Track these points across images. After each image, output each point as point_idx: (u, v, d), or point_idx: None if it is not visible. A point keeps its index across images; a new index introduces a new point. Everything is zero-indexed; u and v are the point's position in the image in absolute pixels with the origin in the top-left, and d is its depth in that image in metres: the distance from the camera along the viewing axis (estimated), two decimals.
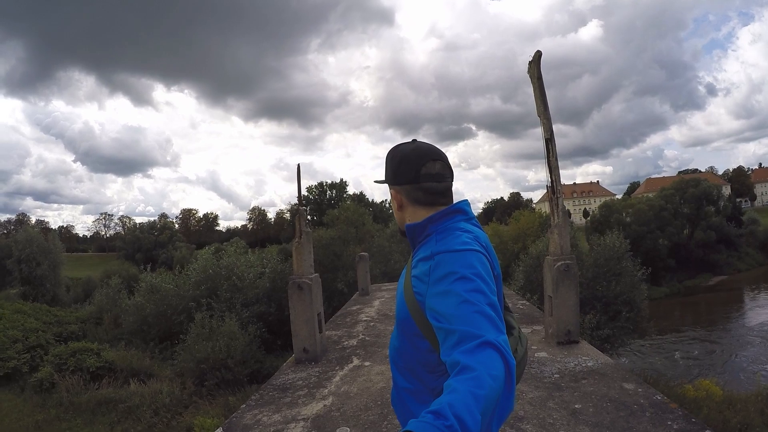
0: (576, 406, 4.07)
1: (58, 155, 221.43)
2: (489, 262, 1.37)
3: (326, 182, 75.91)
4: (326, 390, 5.05)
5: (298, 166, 6.80)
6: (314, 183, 73.95)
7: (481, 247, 1.39)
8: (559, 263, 5.57)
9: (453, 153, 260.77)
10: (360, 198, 63.97)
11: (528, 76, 5.83)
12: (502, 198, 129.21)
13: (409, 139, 1.60)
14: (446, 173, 1.54)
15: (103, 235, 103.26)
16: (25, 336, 17.10)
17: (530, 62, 5.72)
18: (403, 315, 1.48)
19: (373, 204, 57.07)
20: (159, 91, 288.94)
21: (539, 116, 5.56)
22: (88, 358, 14.15)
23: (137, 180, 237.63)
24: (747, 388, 12.49)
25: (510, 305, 1.69)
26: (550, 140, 5.45)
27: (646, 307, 15.62)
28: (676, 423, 3.60)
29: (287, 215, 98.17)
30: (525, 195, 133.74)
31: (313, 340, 6.08)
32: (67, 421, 11.77)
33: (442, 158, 1.54)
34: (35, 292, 29.45)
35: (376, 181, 1.69)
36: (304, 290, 5.99)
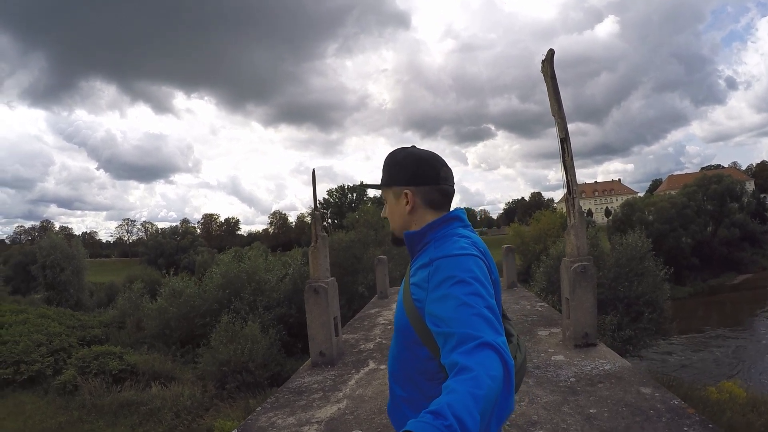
0: (591, 410, 4.01)
1: (81, 163, 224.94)
2: (487, 266, 1.39)
3: (347, 185, 76.30)
4: (341, 393, 5.07)
5: (313, 171, 6.84)
6: (334, 186, 74.24)
7: (479, 252, 1.41)
8: (576, 265, 5.50)
9: (473, 154, 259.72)
10: (380, 201, 64.08)
11: (542, 75, 5.77)
12: (523, 198, 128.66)
13: (426, 142, 1.62)
14: (453, 179, 1.63)
15: (125, 241, 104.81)
16: (49, 340, 17.37)
17: (543, 61, 5.67)
18: (402, 323, 1.49)
19: None
20: (179, 99, 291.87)
21: (554, 115, 5.50)
22: (110, 362, 14.37)
23: (159, 186, 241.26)
24: None
25: (508, 313, 1.70)
26: (565, 140, 5.39)
27: (669, 307, 15.41)
28: (692, 429, 3.52)
29: (308, 219, 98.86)
30: (546, 194, 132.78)
31: (329, 343, 6.11)
32: (89, 423, 11.96)
33: (448, 165, 1.61)
34: (59, 297, 30.00)
35: (367, 186, 1.82)
36: (320, 294, 6.02)
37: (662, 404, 3.99)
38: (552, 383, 4.73)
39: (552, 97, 5.53)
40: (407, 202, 1.57)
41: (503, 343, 1.12)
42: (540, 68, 5.75)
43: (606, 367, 5.02)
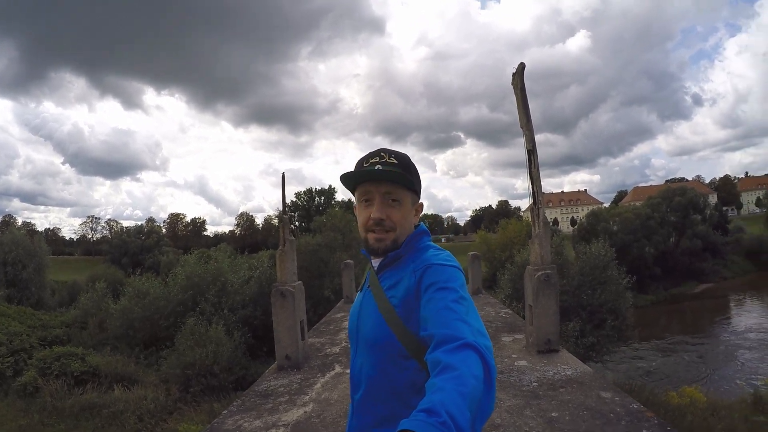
0: (553, 414, 4.13)
1: (47, 157, 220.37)
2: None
3: (315, 188, 76.08)
4: (307, 397, 5.09)
5: (283, 174, 6.89)
6: (303, 189, 73.96)
7: (458, 264, 1.47)
8: (540, 273, 5.66)
9: (441, 161, 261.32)
10: (348, 205, 64.10)
11: (512, 87, 5.91)
12: (490, 206, 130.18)
13: (396, 148, 1.61)
14: None
15: (89, 239, 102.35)
16: (9, 339, 16.88)
17: (514, 74, 5.83)
18: (382, 337, 1.45)
19: None
20: (149, 95, 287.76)
21: (522, 128, 5.66)
22: (72, 363, 14.03)
23: (125, 183, 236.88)
24: (731, 395, 12.62)
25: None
26: (532, 151, 5.56)
27: (631, 315, 15.77)
28: (650, 430, 3.67)
29: (275, 221, 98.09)
30: (513, 203, 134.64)
31: (295, 347, 6.12)
32: (50, 426, 11.65)
33: None
34: (20, 295, 29.03)
35: (399, 177, 1.49)
36: (287, 298, 6.02)
37: (622, 408, 4.13)
38: (515, 388, 4.84)
39: (521, 109, 5.69)
40: (415, 214, 1.59)
41: (485, 347, 1.15)
42: (511, 80, 5.90)
43: (568, 373, 5.16)
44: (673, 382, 15.79)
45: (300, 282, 6.55)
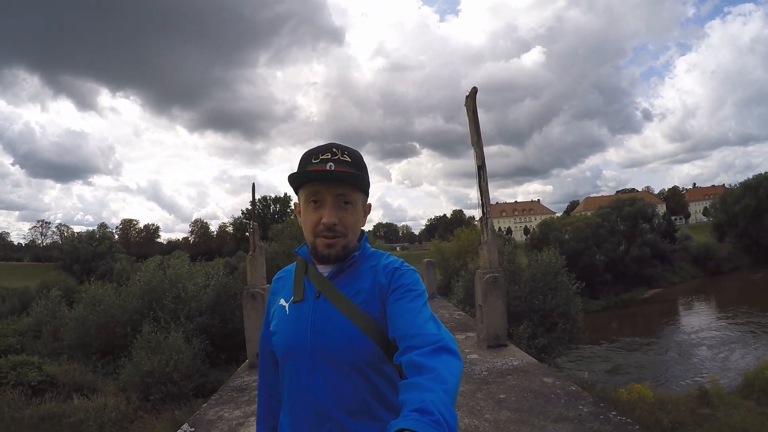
0: (501, 396, 4.65)
1: None
2: None
3: (270, 196, 75.89)
4: None
5: (253, 185, 7.24)
6: (258, 197, 73.64)
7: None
8: (488, 276, 6.24)
9: (396, 170, 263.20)
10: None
11: (465, 108, 6.39)
12: (445, 215, 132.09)
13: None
14: None
15: (39, 244, 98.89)
16: None
17: (467, 96, 6.31)
18: (358, 347, 1.38)
19: None
20: (104, 96, 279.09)
21: (473, 145, 6.16)
22: (29, 372, 13.72)
23: (77, 187, 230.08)
24: (680, 391, 13.32)
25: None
26: (481, 167, 6.07)
27: (581, 318, 16.40)
28: (586, 407, 4.28)
29: (230, 229, 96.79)
30: (467, 212, 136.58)
31: None
32: None
33: None
34: None
35: (349, 176, 1.40)
36: (257, 299, 6.40)
37: (561, 390, 4.76)
38: (467, 376, 5.32)
39: (472, 128, 6.17)
40: (364, 215, 1.53)
41: (454, 344, 1.21)
42: (464, 102, 6.37)
43: (514, 363, 5.76)
44: (625, 381, 16.52)
45: (269, 285, 6.88)
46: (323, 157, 1.39)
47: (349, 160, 1.41)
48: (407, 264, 1.49)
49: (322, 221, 1.40)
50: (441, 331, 1.25)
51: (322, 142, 1.45)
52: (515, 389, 4.83)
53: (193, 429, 4.68)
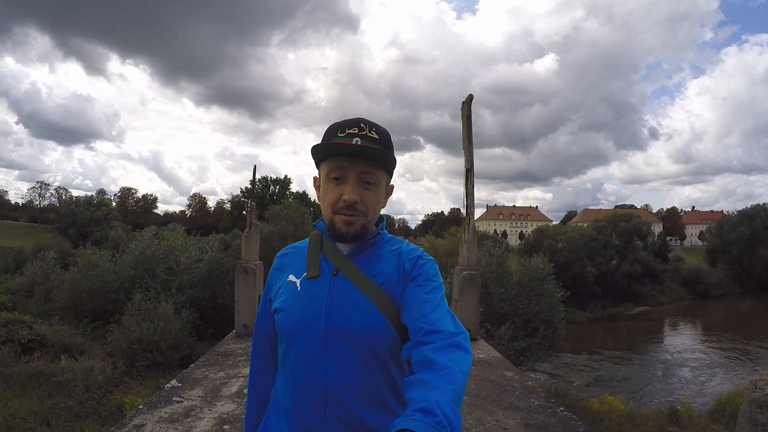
0: None
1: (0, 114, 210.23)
2: None
3: (270, 177, 76.20)
4: None
5: (255, 167, 7.51)
6: (258, 177, 73.83)
7: None
8: (465, 272, 6.65)
9: (399, 163, 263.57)
10: (302, 197, 64.19)
11: (461, 113, 6.72)
12: (442, 212, 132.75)
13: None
14: None
15: (36, 205, 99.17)
16: None
17: (463, 102, 6.63)
18: (376, 328, 1.32)
19: (314, 204, 57.48)
20: (113, 62, 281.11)
21: (464, 149, 6.50)
22: (20, 330, 14.00)
23: (78, 151, 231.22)
24: (652, 407, 13.64)
25: None
26: (470, 170, 6.39)
27: (563, 327, 16.68)
28: (537, 400, 4.67)
29: (227, 206, 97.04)
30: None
31: (252, 317, 6.91)
32: None
33: None
34: None
35: (377, 151, 1.33)
36: (249, 273, 6.76)
37: (518, 383, 5.22)
38: None
39: (465, 133, 6.51)
40: (385, 197, 1.48)
41: (466, 340, 1.20)
42: (461, 107, 6.70)
43: (481, 356, 6.27)
44: (602, 392, 16.81)
45: (261, 261, 7.25)
46: (350, 131, 1.33)
47: (376, 137, 1.35)
48: (427, 254, 1.46)
49: (343, 197, 1.33)
50: (457, 327, 1.23)
51: (326, 127, 1.42)
52: (476, 378, 5.24)
53: (180, 384, 5.07)
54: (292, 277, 1.42)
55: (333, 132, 1.36)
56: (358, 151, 1.30)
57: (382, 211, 1.49)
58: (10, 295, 20.15)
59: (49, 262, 21.65)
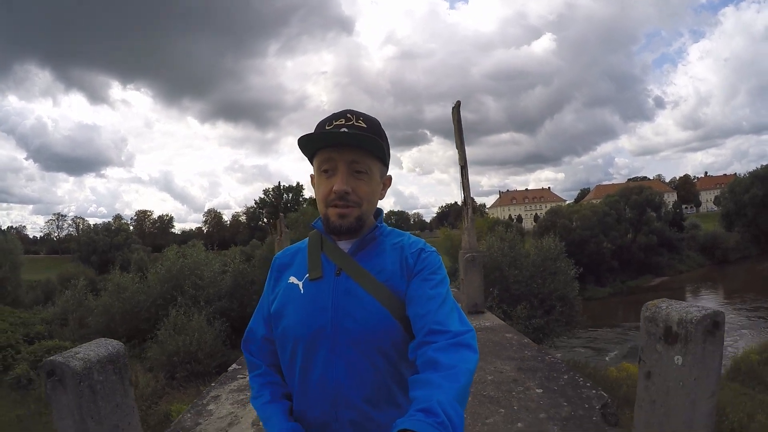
0: None
1: (9, 152, 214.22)
2: None
3: (283, 185, 77.10)
4: None
5: (279, 183, 8.24)
6: (269, 185, 74.84)
7: None
8: (467, 255, 7.71)
9: (408, 158, 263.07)
10: (314, 201, 65.00)
11: (451, 117, 7.46)
12: (456, 202, 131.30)
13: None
14: None
15: (55, 237, 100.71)
16: None
17: (453, 108, 7.37)
18: (385, 329, 1.30)
19: None
20: (115, 89, 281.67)
21: (456, 148, 7.27)
22: None
23: (89, 180, 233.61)
24: None
25: None
26: (464, 167, 7.17)
27: (579, 303, 17.13)
28: (530, 352, 5.65)
29: (243, 218, 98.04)
30: (479, 200, 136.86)
31: None
32: (46, 415, 12.38)
33: None
34: None
35: (367, 139, 1.29)
36: None
37: (516, 342, 6.17)
38: None
39: (456, 134, 7.32)
40: (383, 188, 1.44)
41: (473, 337, 1.21)
42: (451, 112, 7.44)
43: (487, 324, 7.34)
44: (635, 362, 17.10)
45: None
46: (337, 123, 1.31)
47: (364, 125, 1.32)
48: (429, 245, 1.44)
49: (334, 189, 1.30)
50: (464, 325, 1.23)
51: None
52: (480, 340, 6.06)
53: (240, 366, 5.97)
54: (293, 279, 1.41)
55: (321, 126, 1.35)
56: (344, 138, 1.28)
57: (380, 204, 1.46)
58: (46, 325, 20.93)
59: (80, 290, 22.46)
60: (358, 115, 1.33)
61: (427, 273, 1.33)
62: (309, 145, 1.34)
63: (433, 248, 1.42)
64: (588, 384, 4.41)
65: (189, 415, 4.49)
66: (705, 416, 2.67)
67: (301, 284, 1.38)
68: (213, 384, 5.46)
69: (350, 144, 1.29)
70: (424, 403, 0.97)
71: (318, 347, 1.30)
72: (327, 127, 1.31)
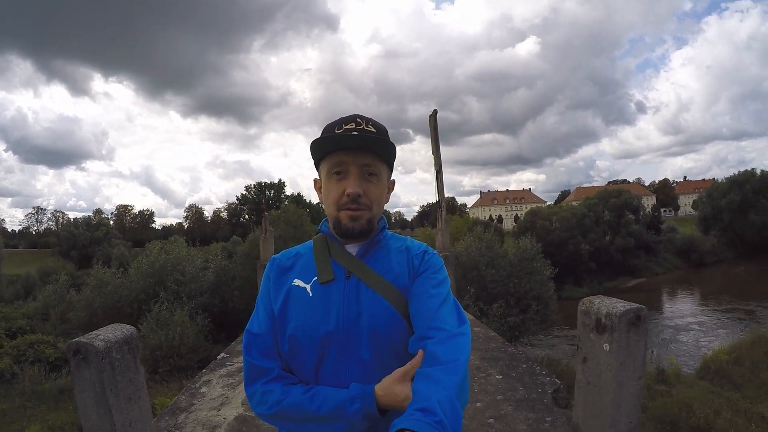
0: None
1: None
2: None
3: (264, 182, 76.93)
4: None
5: (265, 186, 8.57)
6: (251, 181, 74.56)
7: None
8: (441, 255, 7.87)
9: None
10: (298, 199, 65.03)
11: (428, 125, 7.84)
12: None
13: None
14: None
15: (34, 231, 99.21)
16: None
17: (430, 115, 7.74)
18: (399, 327, 1.33)
19: (310, 205, 58.07)
20: (97, 81, 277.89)
21: (433, 154, 7.62)
22: (46, 349, 14.81)
23: (69, 173, 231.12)
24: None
25: None
26: (439, 172, 7.54)
27: (555, 302, 17.52)
28: (494, 345, 5.99)
29: (224, 214, 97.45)
30: (460, 200, 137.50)
31: None
32: (31, 408, 12.37)
33: None
34: None
35: (377, 139, 1.34)
36: None
37: (483, 335, 6.56)
38: None
39: (433, 141, 7.69)
40: (388, 191, 1.47)
41: (468, 329, 1.27)
42: (428, 120, 7.83)
43: None
44: None
45: None
46: (347, 126, 1.33)
47: (373, 130, 1.35)
48: (431, 248, 1.49)
49: (347, 192, 1.32)
50: (462, 322, 1.28)
51: (316, 128, 1.63)
52: None
53: (228, 354, 6.25)
54: (299, 282, 1.39)
55: (330, 130, 1.35)
56: (359, 141, 1.30)
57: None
58: (27, 320, 20.84)
59: (62, 284, 22.44)
60: (368, 120, 1.36)
61: (431, 273, 1.37)
62: (323, 148, 1.36)
63: (435, 251, 1.47)
64: (544, 372, 4.77)
65: (183, 397, 4.79)
66: (632, 396, 3.10)
67: (308, 287, 1.37)
68: (204, 370, 5.75)
69: (363, 147, 1.32)
70: (422, 402, 0.99)
71: (330, 349, 1.30)
72: (337, 131, 1.33)
